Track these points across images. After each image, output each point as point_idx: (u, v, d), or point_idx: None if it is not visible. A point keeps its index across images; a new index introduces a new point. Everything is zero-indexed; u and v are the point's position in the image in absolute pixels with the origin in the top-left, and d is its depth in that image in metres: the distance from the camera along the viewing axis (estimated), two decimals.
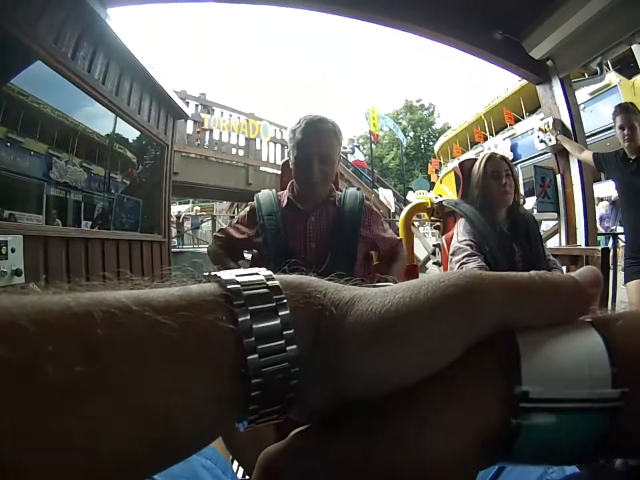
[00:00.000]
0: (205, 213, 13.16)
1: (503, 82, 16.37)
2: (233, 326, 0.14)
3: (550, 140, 2.51)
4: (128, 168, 3.14)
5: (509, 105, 13.26)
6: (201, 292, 0.15)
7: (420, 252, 5.18)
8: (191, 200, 20.51)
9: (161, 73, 3.65)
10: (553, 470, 0.31)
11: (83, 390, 0.11)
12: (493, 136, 14.35)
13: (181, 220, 10.83)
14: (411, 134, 32.86)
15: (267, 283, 0.15)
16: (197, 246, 10.07)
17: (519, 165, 12.63)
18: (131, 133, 3.15)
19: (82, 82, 2.55)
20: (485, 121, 14.83)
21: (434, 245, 4.63)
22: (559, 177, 2.58)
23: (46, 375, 0.10)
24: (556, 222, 2.81)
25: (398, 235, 1.41)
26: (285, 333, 0.14)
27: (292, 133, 1.07)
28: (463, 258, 1.21)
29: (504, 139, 13.04)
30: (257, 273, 0.16)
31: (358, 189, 1.23)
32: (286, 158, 1.24)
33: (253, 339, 0.14)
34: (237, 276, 0.15)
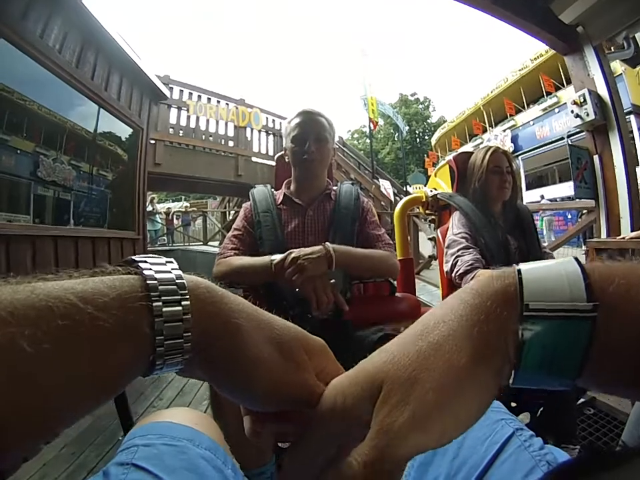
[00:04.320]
0: (196, 209, 12.66)
1: (500, 74, 16.06)
2: (149, 316, 0.20)
3: (587, 114, 2.14)
4: (95, 155, 2.72)
5: (509, 95, 12.92)
6: (128, 286, 0.20)
7: (426, 249, 4.83)
8: (183, 197, 19.99)
9: (141, 54, 3.22)
10: (544, 463, 0.36)
11: (49, 358, 0.16)
12: (492, 127, 14.00)
13: (170, 217, 10.34)
14: (407, 128, 32.41)
15: (176, 281, 0.22)
16: (187, 244, 9.61)
17: (520, 157, 12.35)
18: (96, 114, 2.72)
19: (31, 48, 2.13)
20: (484, 112, 14.47)
21: (429, 239, 4.33)
22: (596, 158, 2.22)
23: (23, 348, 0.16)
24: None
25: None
26: (184, 316, 0.21)
27: (288, 123, 1.13)
28: (459, 251, 1.22)
29: (504, 130, 12.70)
30: (169, 271, 0.22)
31: (352, 183, 1.24)
32: (281, 152, 1.22)
33: (162, 318, 0.20)
34: (155, 272, 0.22)
